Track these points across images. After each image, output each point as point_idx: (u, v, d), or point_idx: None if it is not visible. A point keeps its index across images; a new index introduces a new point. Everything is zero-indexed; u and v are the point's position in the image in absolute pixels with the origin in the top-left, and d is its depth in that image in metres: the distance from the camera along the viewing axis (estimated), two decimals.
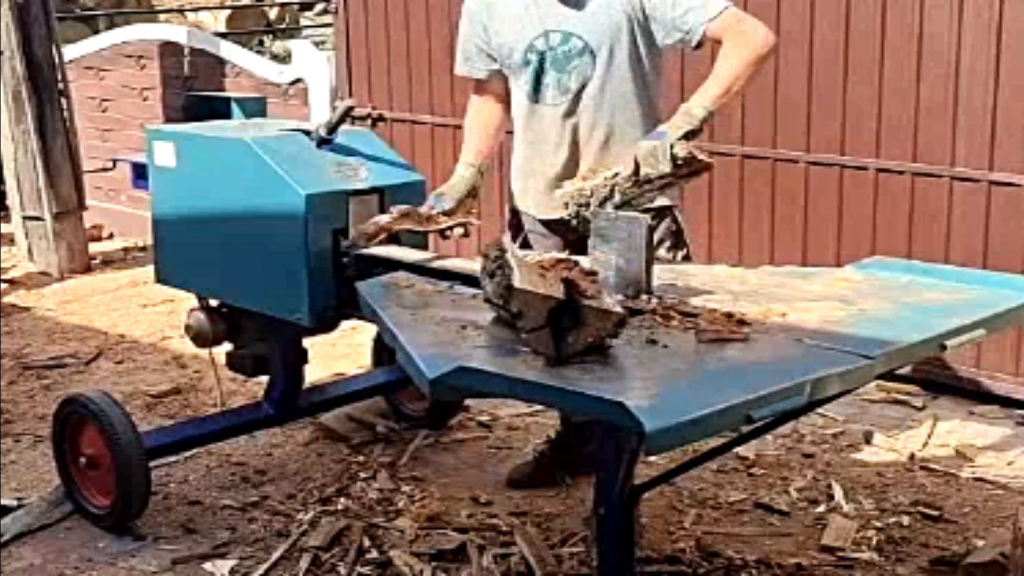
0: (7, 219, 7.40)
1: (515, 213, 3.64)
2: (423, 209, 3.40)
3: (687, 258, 3.47)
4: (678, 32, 3.25)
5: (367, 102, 6.12)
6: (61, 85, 6.86)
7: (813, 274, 3.15)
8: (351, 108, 3.61)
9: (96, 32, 10.14)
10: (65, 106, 6.87)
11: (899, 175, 4.51)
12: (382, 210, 3.47)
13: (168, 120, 7.13)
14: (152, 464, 3.65)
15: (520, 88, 3.45)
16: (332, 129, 3.57)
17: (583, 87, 3.35)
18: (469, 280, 3.01)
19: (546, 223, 3.51)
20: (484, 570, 3.31)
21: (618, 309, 2.38)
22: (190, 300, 3.89)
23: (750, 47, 3.13)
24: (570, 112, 3.38)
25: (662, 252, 3.36)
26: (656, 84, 3.42)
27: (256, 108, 5.32)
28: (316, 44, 7.77)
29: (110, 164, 7.46)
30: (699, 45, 3.25)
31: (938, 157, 4.41)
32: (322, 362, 4.83)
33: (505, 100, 3.55)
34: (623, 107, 3.36)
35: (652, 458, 3.61)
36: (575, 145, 3.39)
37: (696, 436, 2.14)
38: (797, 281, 3.02)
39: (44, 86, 6.78)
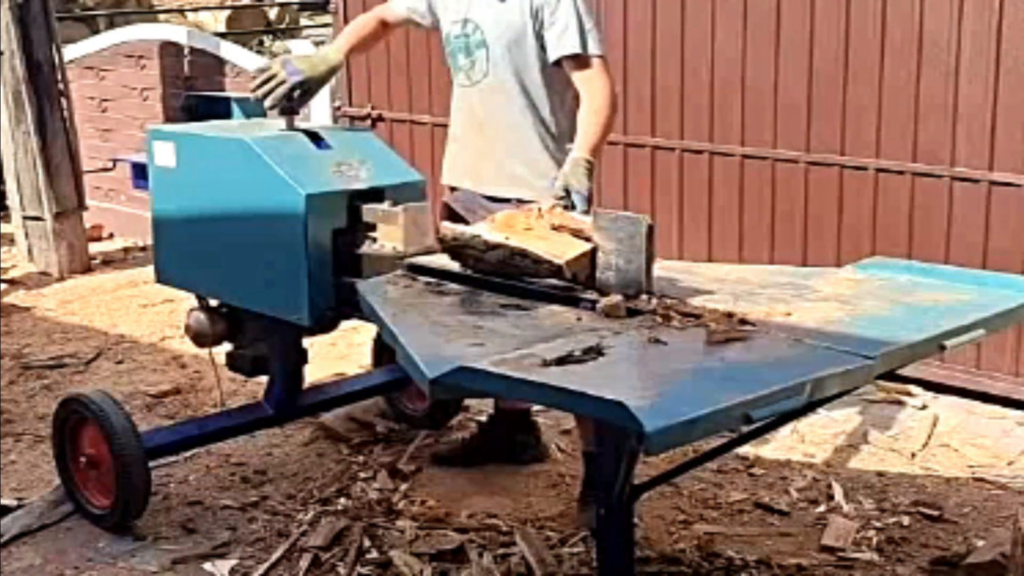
0: (7, 219, 7.39)
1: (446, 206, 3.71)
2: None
3: None
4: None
5: (367, 102, 6.12)
6: (61, 85, 6.84)
7: (813, 274, 3.15)
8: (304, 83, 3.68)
9: (96, 32, 10.15)
10: (65, 106, 6.85)
11: (899, 175, 4.51)
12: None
13: (168, 120, 7.11)
14: (152, 464, 3.65)
15: (452, 63, 3.62)
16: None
17: (482, 78, 3.51)
18: (469, 280, 3.01)
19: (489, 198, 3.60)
20: (484, 570, 3.31)
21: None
22: (190, 300, 3.89)
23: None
24: (478, 94, 3.54)
25: None
26: (554, 96, 3.48)
27: (256, 108, 5.28)
28: (316, 44, 7.77)
29: (110, 164, 7.44)
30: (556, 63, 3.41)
31: (938, 157, 4.41)
32: (322, 362, 4.82)
33: (389, 31, 3.83)
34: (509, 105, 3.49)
35: (652, 458, 3.61)
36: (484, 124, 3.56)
37: (696, 436, 2.14)
38: (797, 281, 3.02)
39: (44, 86, 6.76)
